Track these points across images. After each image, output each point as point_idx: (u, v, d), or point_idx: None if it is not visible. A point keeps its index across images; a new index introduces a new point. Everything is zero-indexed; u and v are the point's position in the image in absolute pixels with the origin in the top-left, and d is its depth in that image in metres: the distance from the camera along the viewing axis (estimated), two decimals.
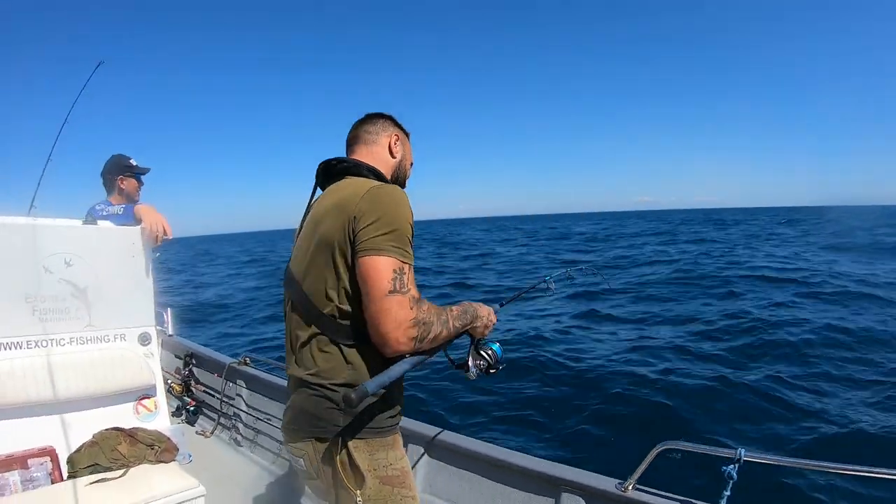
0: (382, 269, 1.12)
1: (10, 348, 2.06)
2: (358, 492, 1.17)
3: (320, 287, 1.20)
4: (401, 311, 1.11)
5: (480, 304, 1.43)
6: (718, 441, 4.52)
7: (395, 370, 1.14)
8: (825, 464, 1.55)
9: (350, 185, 1.26)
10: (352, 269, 1.16)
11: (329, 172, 1.36)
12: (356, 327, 1.19)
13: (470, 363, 1.44)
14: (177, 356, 4.10)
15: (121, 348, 2.39)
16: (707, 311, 9.90)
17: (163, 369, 3.95)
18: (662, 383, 5.86)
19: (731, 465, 1.47)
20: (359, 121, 1.46)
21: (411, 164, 1.52)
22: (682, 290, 12.53)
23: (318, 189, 1.40)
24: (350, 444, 1.19)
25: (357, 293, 1.16)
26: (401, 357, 1.18)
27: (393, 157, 1.44)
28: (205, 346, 4.25)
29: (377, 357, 1.19)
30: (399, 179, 1.46)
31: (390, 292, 1.11)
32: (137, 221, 2.55)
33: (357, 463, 1.18)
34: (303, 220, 1.36)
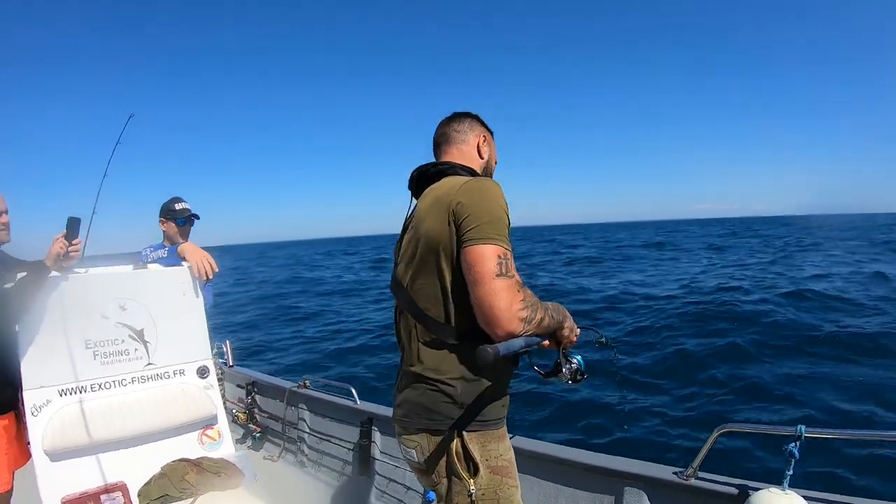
0: (488, 255, 1.15)
1: (77, 392, 2.15)
2: (472, 481, 1.22)
3: (426, 290, 1.25)
4: (510, 293, 1.14)
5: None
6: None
7: (518, 342, 1.16)
8: (889, 433, 1.56)
9: (447, 182, 1.31)
10: (457, 265, 1.20)
11: (424, 176, 1.40)
12: (462, 328, 1.23)
13: (564, 368, 1.39)
14: (239, 386, 4.22)
15: (181, 383, 2.45)
16: None
17: (227, 399, 4.09)
18: None
19: (793, 443, 1.42)
20: (446, 120, 1.49)
21: (496, 162, 1.54)
22: None
23: (414, 199, 1.44)
24: (465, 435, 1.23)
25: (462, 293, 1.20)
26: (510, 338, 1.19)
27: (481, 157, 1.46)
28: (266, 373, 4.37)
29: None
30: None
31: (498, 275, 1.13)
32: (182, 260, 2.63)
33: (472, 454, 1.23)
34: (403, 229, 1.41)
